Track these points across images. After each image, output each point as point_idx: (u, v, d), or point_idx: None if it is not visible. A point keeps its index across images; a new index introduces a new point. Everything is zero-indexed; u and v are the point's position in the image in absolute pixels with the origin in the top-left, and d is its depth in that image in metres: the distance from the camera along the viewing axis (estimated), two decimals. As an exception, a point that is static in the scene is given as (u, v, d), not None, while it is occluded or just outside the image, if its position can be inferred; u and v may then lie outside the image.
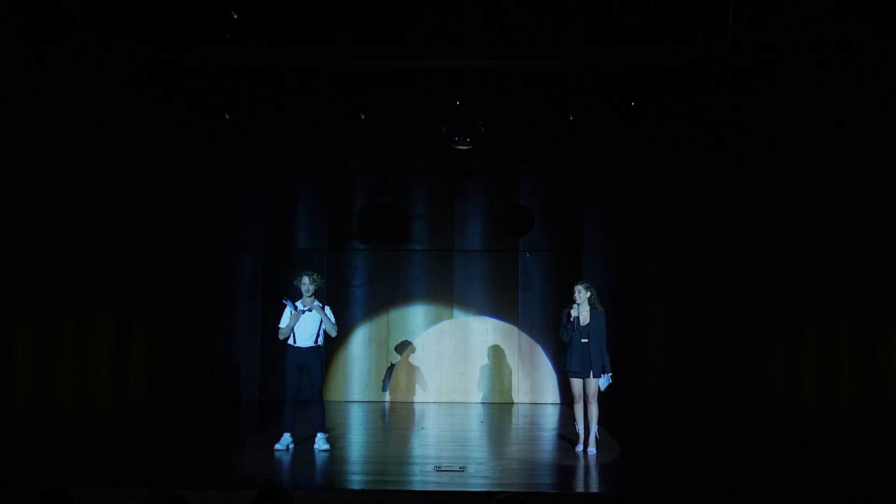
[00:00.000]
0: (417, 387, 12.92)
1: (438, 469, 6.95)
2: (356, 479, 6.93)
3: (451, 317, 13.03)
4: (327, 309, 8.21)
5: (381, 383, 12.93)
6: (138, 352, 11.52)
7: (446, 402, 12.71)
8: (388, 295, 13.04)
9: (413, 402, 12.73)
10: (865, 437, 9.07)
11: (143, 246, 11.51)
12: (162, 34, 9.79)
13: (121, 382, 11.13)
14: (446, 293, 13.05)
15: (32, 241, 9.46)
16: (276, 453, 7.72)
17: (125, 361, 11.24)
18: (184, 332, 12.64)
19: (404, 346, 12.99)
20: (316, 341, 8.08)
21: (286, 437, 7.95)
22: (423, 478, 6.71)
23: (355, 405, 12.37)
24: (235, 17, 9.28)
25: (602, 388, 7.97)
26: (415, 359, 12.98)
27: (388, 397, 12.87)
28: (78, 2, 9.17)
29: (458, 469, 6.94)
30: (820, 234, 10.24)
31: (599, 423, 8.04)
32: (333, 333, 8.21)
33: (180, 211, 12.52)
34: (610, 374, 7.95)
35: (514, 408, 12.36)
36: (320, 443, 7.99)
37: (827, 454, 8.47)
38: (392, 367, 12.96)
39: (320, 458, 7.63)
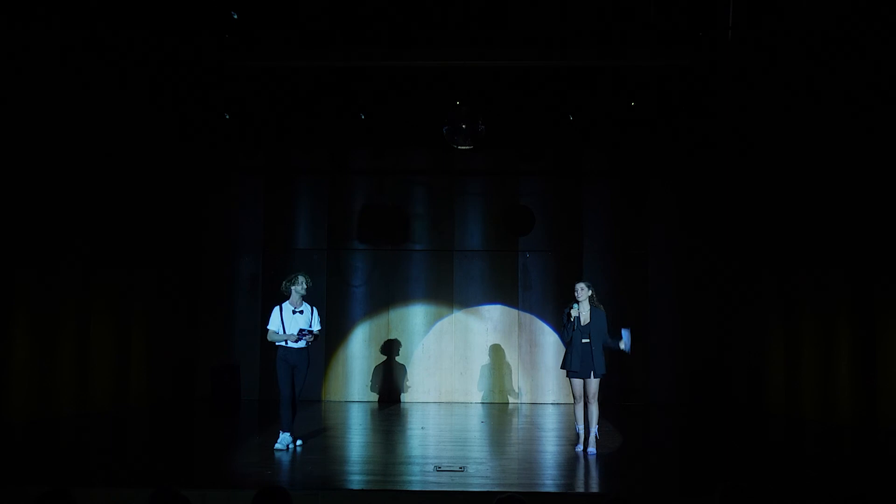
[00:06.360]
0: (417, 387, 12.91)
1: (438, 469, 6.95)
2: (356, 479, 6.92)
3: (451, 316, 13.03)
4: (315, 311, 8.24)
5: (381, 383, 12.93)
6: (138, 351, 11.52)
7: (446, 402, 12.71)
8: (388, 295, 13.05)
9: (413, 402, 12.73)
10: (865, 437, 9.07)
11: (143, 246, 11.50)
12: (162, 34, 9.79)
13: (121, 382, 11.13)
14: (446, 293, 13.05)
15: (32, 241, 9.45)
16: (276, 453, 7.72)
17: (125, 361, 11.24)
18: (184, 332, 12.65)
19: (404, 346, 12.98)
20: (306, 343, 8.11)
21: (285, 437, 7.95)
22: (423, 478, 6.71)
23: (355, 405, 12.37)
24: (235, 17, 9.27)
25: (627, 348, 7.88)
26: (415, 359, 12.97)
27: (388, 397, 12.86)
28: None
29: (458, 469, 6.94)
30: (820, 234, 10.24)
31: (600, 422, 8.04)
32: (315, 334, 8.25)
33: (180, 211, 12.52)
34: (629, 339, 7.84)
35: (515, 408, 12.36)
36: (283, 443, 7.91)
37: (827, 454, 8.47)
38: (392, 366, 12.95)
39: (320, 458, 7.63)
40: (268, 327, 8.17)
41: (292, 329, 8.05)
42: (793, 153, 10.80)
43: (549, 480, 6.92)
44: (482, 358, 12.94)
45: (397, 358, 12.96)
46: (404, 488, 6.30)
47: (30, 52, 9.24)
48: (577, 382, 7.97)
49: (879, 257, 9.19)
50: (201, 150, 12.91)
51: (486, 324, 13.00)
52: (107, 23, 9.47)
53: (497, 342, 12.95)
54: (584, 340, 7.85)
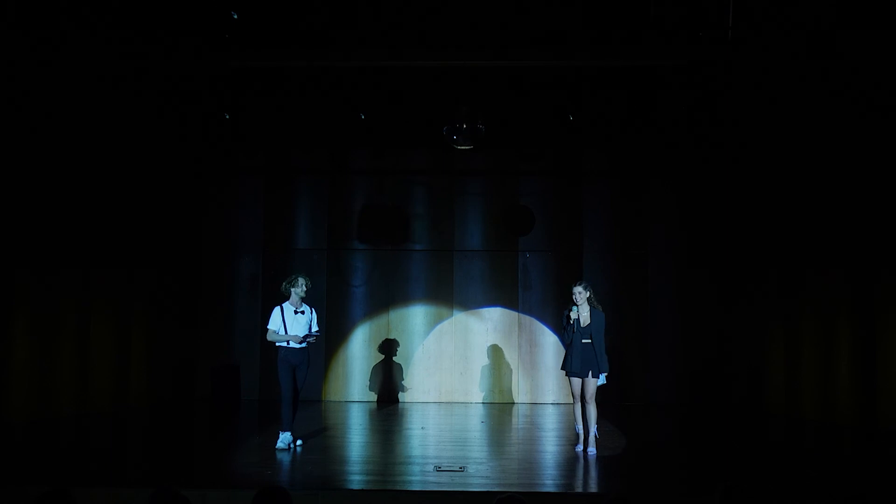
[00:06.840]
0: (417, 387, 12.91)
1: (438, 469, 6.95)
2: (356, 479, 6.92)
3: (451, 316, 13.03)
4: (314, 312, 8.26)
5: (381, 383, 12.92)
6: (138, 351, 11.52)
7: (446, 402, 12.71)
8: (388, 295, 13.04)
9: (413, 402, 12.72)
10: (865, 437, 9.07)
11: (143, 246, 11.50)
12: (161, 33, 9.79)
13: (121, 382, 11.13)
14: (446, 293, 13.04)
15: (32, 241, 9.46)
16: (277, 453, 7.72)
17: (125, 361, 11.23)
18: (184, 332, 12.64)
19: (404, 346, 12.98)
20: (307, 343, 8.12)
21: (286, 437, 7.95)
22: (423, 478, 6.71)
23: (355, 405, 12.37)
24: (235, 17, 9.27)
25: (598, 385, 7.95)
26: (415, 359, 12.97)
27: (388, 397, 12.86)
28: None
29: (458, 469, 6.94)
30: (820, 234, 10.24)
31: (599, 422, 8.04)
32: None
33: (180, 211, 12.52)
34: (605, 374, 7.94)
35: (514, 408, 12.36)
36: (284, 442, 7.95)
37: (827, 454, 8.47)
38: (392, 367, 12.95)
39: (320, 458, 7.63)
40: (268, 327, 8.17)
41: (295, 330, 8.06)
42: (793, 153, 10.80)
43: (549, 480, 6.92)
44: (482, 358, 12.94)
45: (397, 358, 12.95)
46: (404, 488, 6.30)
47: (29, 52, 9.24)
48: (577, 382, 7.98)
49: (879, 257, 9.19)
50: (201, 150, 12.90)
51: (486, 324, 13.00)
52: (105, 22, 9.48)
53: (497, 342, 12.94)
54: (584, 341, 7.85)
